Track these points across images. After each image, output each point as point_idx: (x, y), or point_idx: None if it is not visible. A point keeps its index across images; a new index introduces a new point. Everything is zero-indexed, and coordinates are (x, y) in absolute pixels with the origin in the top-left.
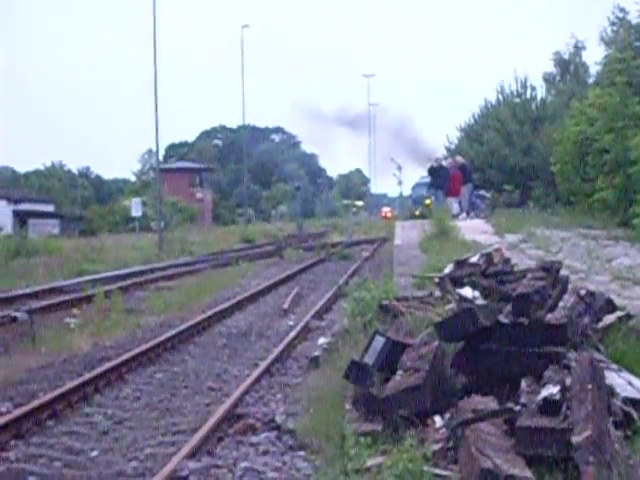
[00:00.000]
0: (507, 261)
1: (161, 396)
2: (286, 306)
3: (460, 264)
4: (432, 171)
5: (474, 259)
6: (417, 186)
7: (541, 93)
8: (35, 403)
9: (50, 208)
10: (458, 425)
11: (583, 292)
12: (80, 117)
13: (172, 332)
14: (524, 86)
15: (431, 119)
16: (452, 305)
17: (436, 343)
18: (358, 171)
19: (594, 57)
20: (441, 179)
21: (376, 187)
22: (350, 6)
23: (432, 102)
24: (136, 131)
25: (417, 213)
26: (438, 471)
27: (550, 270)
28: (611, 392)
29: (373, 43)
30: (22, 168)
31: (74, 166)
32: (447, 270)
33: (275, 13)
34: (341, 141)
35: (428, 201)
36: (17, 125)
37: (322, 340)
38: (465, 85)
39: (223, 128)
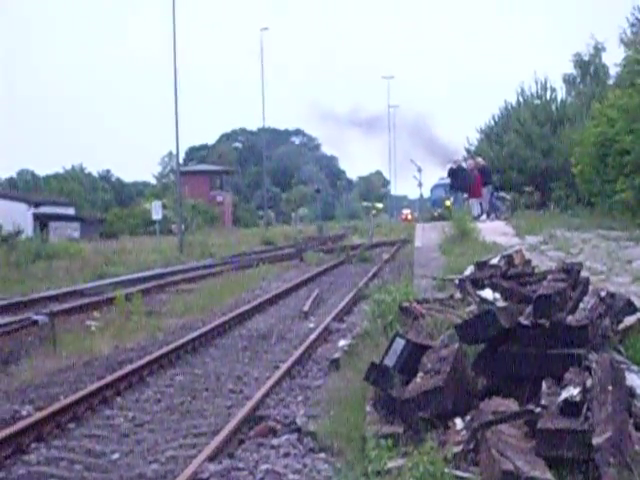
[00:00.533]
0: (528, 263)
1: (182, 398)
2: (306, 308)
3: (481, 266)
4: (452, 173)
5: (495, 261)
6: (436, 187)
7: (561, 94)
8: (56, 406)
9: (70, 211)
10: (479, 427)
11: (603, 294)
12: (100, 120)
13: (193, 334)
14: (544, 87)
15: (451, 121)
16: (473, 307)
17: (457, 345)
18: (378, 173)
19: (614, 58)
20: (461, 180)
21: (396, 189)
22: (368, 8)
23: (452, 104)
24: (156, 134)
25: (436, 214)
26: (459, 473)
27: (570, 272)
28: (632, 393)
29: (392, 45)
30: (42, 171)
31: (94, 169)
32: (467, 272)
33: (294, 16)
34: (357, 142)
35: (448, 203)
36: (37, 128)
37: (342, 342)
38: (485, 87)
39: (243, 131)
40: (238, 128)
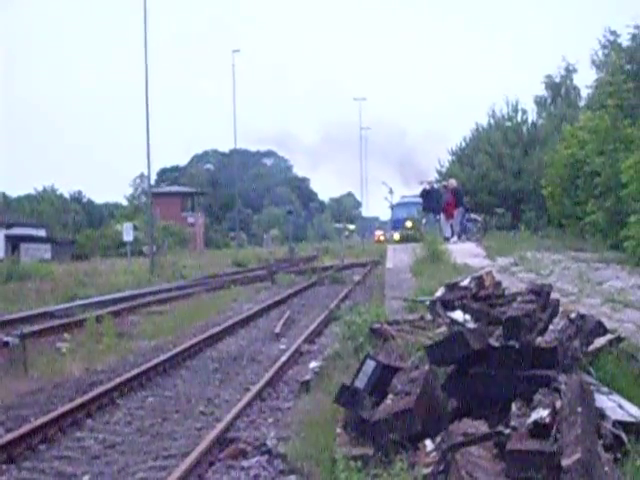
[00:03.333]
0: (498, 284)
1: (152, 420)
2: (278, 330)
3: (451, 288)
4: (424, 194)
5: (465, 283)
6: (397, 207)
7: (532, 116)
8: (26, 428)
9: (42, 232)
10: (449, 449)
11: (574, 315)
12: (71, 142)
13: (164, 356)
14: (515, 109)
15: (422, 142)
16: (443, 329)
17: (427, 367)
18: (350, 195)
19: (585, 80)
20: (433, 202)
21: (368, 210)
22: (340, 32)
23: (423, 125)
24: (128, 155)
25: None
26: None
27: (541, 293)
28: (601, 415)
29: (363, 65)
30: (13, 192)
31: (66, 190)
32: (438, 294)
33: (265, 38)
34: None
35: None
36: (8, 149)
37: (313, 364)
38: (456, 107)
39: (215, 152)
40: (210, 149)
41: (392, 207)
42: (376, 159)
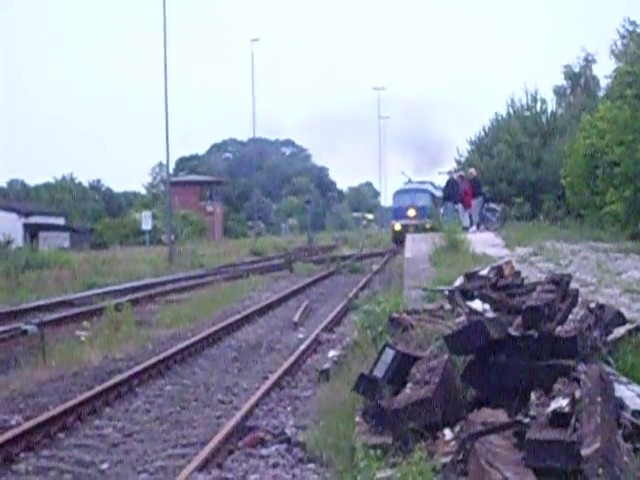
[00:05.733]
0: (517, 274)
1: (171, 409)
2: (296, 319)
3: (470, 277)
4: (450, 184)
5: (484, 272)
6: (398, 194)
7: (551, 106)
8: (45, 416)
9: (60, 221)
10: (468, 438)
11: (593, 305)
12: (91, 130)
13: (182, 345)
14: (534, 99)
15: (442, 131)
16: (462, 318)
17: (446, 356)
18: (368, 184)
19: (604, 70)
20: (452, 191)
21: (386, 200)
22: (360, 19)
23: (443, 115)
24: (147, 144)
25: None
26: None
27: (560, 283)
28: (620, 405)
29: (384, 54)
30: (32, 181)
31: (85, 179)
32: (457, 283)
33: (284, 26)
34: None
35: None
36: (27, 138)
37: (332, 353)
38: (476, 98)
39: (233, 141)
40: (228, 138)
41: (394, 195)
42: (395, 147)
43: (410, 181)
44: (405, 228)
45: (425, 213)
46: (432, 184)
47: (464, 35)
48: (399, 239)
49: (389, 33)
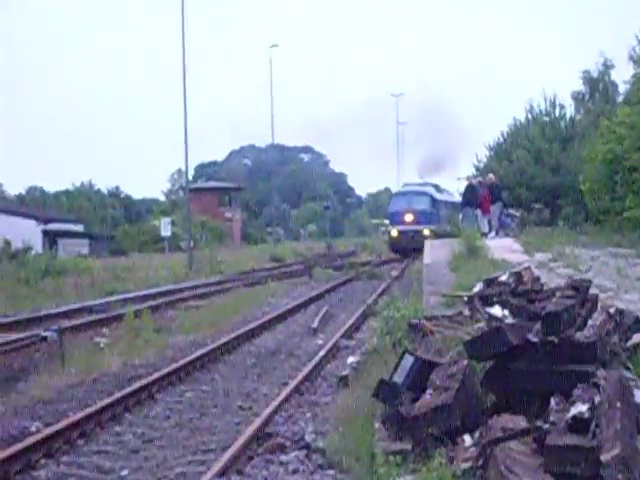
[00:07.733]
0: (536, 280)
1: (191, 415)
2: (315, 325)
3: (489, 283)
4: (469, 189)
5: (503, 278)
6: (396, 197)
7: (570, 112)
8: (65, 422)
9: (79, 228)
10: (488, 443)
11: (612, 310)
12: (110, 137)
13: (202, 351)
14: (553, 105)
15: (461, 135)
16: (481, 324)
17: (465, 362)
18: (387, 190)
19: (623, 75)
20: (471, 197)
21: None
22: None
23: (462, 119)
24: (166, 151)
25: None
26: None
27: (579, 289)
28: None
29: (400, 59)
30: (51, 188)
31: (104, 186)
32: (476, 289)
33: (302, 33)
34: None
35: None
36: (46, 145)
37: (351, 359)
38: (494, 103)
39: (252, 147)
40: (247, 145)
41: (392, 197)
42: (413, 152)
43: (408, 183)
44: (403, 235)
45: (424, 218)
46: (436, 187)
47: (481, 40)
48: (397, 248)
49: (403, 37)
